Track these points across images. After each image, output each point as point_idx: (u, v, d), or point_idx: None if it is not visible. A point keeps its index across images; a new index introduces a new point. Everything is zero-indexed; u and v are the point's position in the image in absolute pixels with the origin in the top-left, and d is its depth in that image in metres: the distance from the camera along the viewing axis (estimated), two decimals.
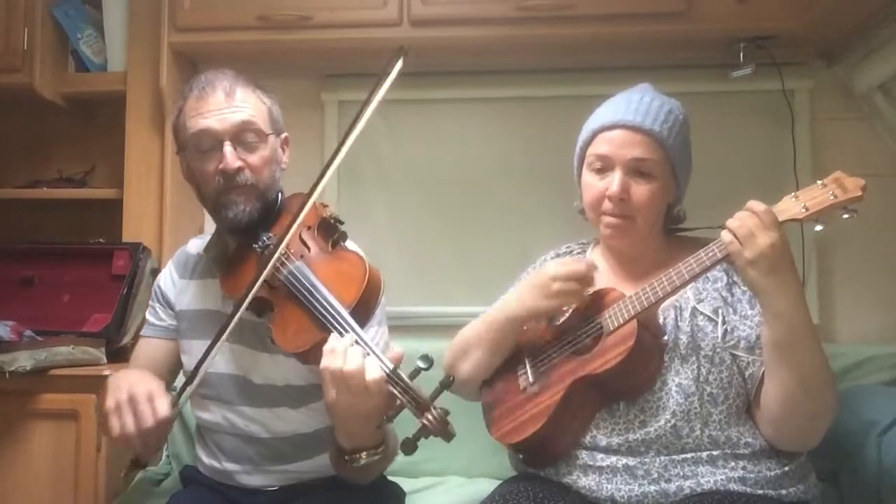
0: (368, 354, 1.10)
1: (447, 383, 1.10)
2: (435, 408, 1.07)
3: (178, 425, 1.91)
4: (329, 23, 1.94)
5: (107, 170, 2.20)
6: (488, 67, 2.15)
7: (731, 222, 1.19)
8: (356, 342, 1.12)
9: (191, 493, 1.46)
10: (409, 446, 1.09)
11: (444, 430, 1.07)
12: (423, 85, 2.13)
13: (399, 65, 1.24)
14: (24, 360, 1.69)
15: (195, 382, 1.25)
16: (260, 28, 1.94)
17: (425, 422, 1.07)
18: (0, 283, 2.05)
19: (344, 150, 1.26)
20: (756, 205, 1.18)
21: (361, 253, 1.33)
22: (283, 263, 1.24)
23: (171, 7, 1.98)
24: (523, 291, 1.36)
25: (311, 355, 1.15)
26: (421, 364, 1.09)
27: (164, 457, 1.92)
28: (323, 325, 1.15)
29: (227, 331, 1.22)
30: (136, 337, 1.94)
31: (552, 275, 1.31)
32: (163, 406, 1.16)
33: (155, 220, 2.03)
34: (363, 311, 1.19)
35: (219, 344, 1.23)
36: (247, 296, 1.21)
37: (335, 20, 1.94)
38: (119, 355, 1.93)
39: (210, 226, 2.15)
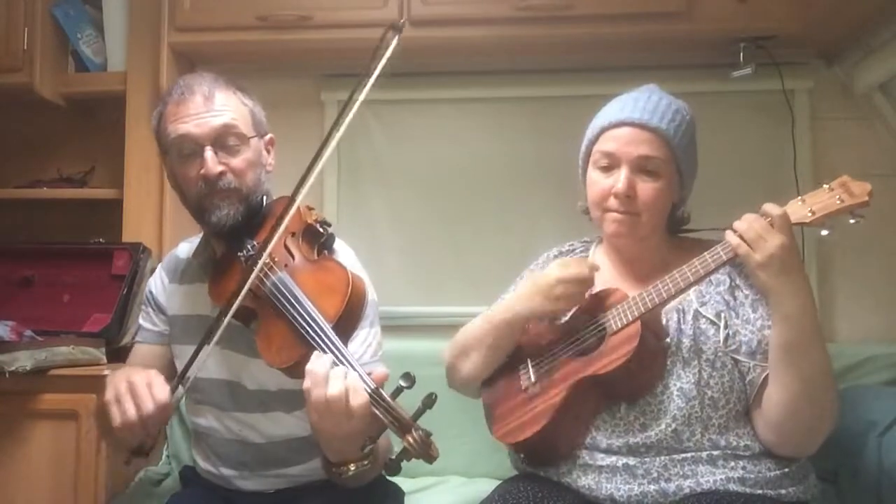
0: (349, 373, 1.07)
1: (429, 403, 1.05)
2: (417, 429, 1.04)
3: (177, 425, 1.91)
4: (329, 23, 1.93)
5: (107, 170, 2.19)
6: (488, 67, 2.15)
7: (738, 224, 1.19)
8: (337, 361, 1.09)
9: (190, 494, 1.47)
10: (393, 468, 1.06)
11: (426, 452, 1.05)
12: (422, 85, 2.13)
13: (395, 42, 1.19)
14: (24, 360, 1.68)
15: (186, 386, 1.24)
16: (260, 28, 1.93)
17: (406, 445, 1.04)
18: (0, 282, 2.05)
19: (333, 142, 1.21)
20: (772, 208, 1.19)
21: (347, 257, 1.33)
22: (266, 274, 1.22)
23: (171, 7, 1.98)
24: (526, 293, 1.36)
25: (295, 371, 1.13)
26: (403, 383, 1.07)
27: (164, 456, 1.92)
28: (306, 341, 1.13)
29: (213, 341, 1.21)
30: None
31: (556, 277, 1.31)
32: (161, 391, 1.15)
33: (155, 220, 2.03)
34: (346, 324, 1.17)
35: (205, 351, 1.22)
36: (230, 307, 1.19)
37: (335, 20, 1.93)
38: (119, 355, 1.92)
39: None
